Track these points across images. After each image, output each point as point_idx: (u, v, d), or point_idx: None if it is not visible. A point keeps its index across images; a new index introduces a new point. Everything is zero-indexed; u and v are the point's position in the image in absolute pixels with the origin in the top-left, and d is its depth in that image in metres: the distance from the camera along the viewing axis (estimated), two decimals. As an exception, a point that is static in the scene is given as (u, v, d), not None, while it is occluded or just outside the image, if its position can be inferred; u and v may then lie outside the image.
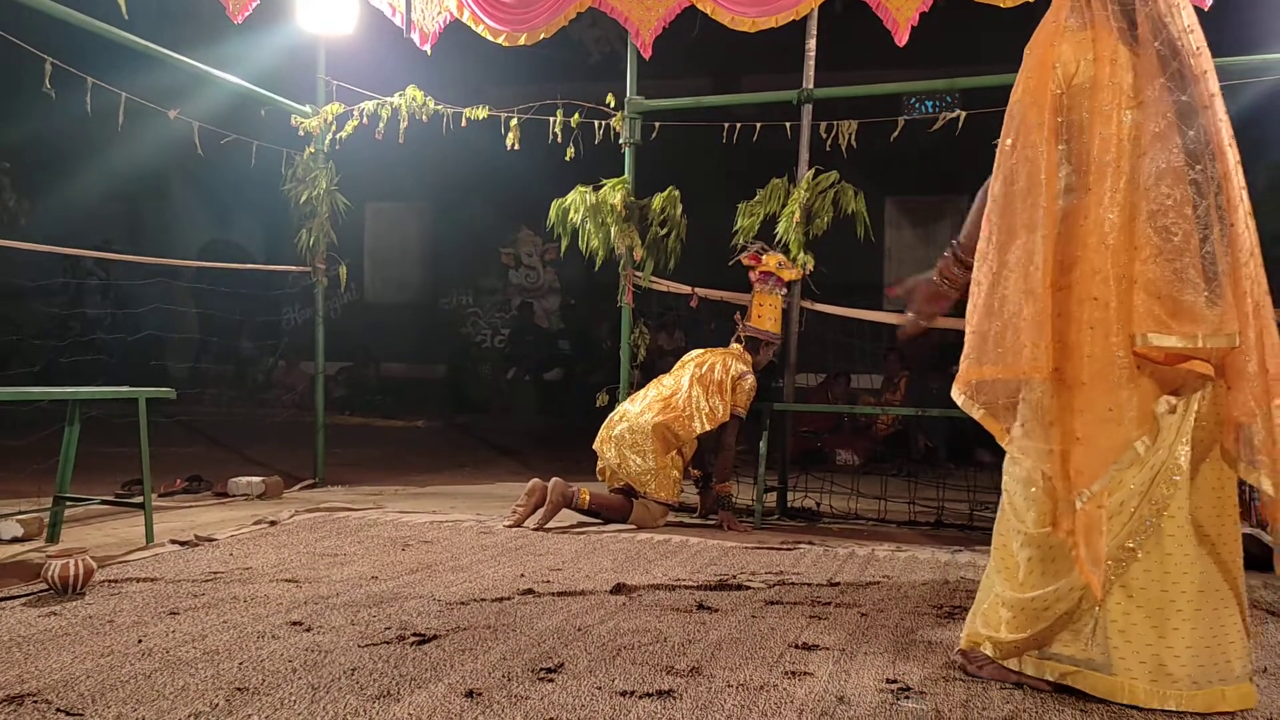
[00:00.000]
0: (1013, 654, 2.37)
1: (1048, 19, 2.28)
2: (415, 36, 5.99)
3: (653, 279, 5.70)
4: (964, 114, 5.13)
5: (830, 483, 5.77)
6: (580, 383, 11.26)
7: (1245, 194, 2.17)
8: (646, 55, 5.61)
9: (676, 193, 5.59)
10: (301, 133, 6.29)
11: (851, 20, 5.75)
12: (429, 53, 6.00)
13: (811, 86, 5.47)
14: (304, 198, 6.28)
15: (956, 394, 2.31)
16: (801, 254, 5.32)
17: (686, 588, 3.51)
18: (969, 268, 2.35)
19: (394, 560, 3.90)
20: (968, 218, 2.44)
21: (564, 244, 5.72)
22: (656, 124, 5.77)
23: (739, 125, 5.50)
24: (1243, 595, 2.30)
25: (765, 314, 5.18)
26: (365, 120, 6.11)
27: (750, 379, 5.01)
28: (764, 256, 5.17)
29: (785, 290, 5.22)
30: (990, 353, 2.18)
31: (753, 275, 5.22)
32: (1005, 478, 2.40)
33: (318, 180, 6.26)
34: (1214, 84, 2.19)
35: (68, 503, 4.34)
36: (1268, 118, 7.07)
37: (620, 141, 5.76)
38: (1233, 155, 2.19)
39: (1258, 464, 2.13)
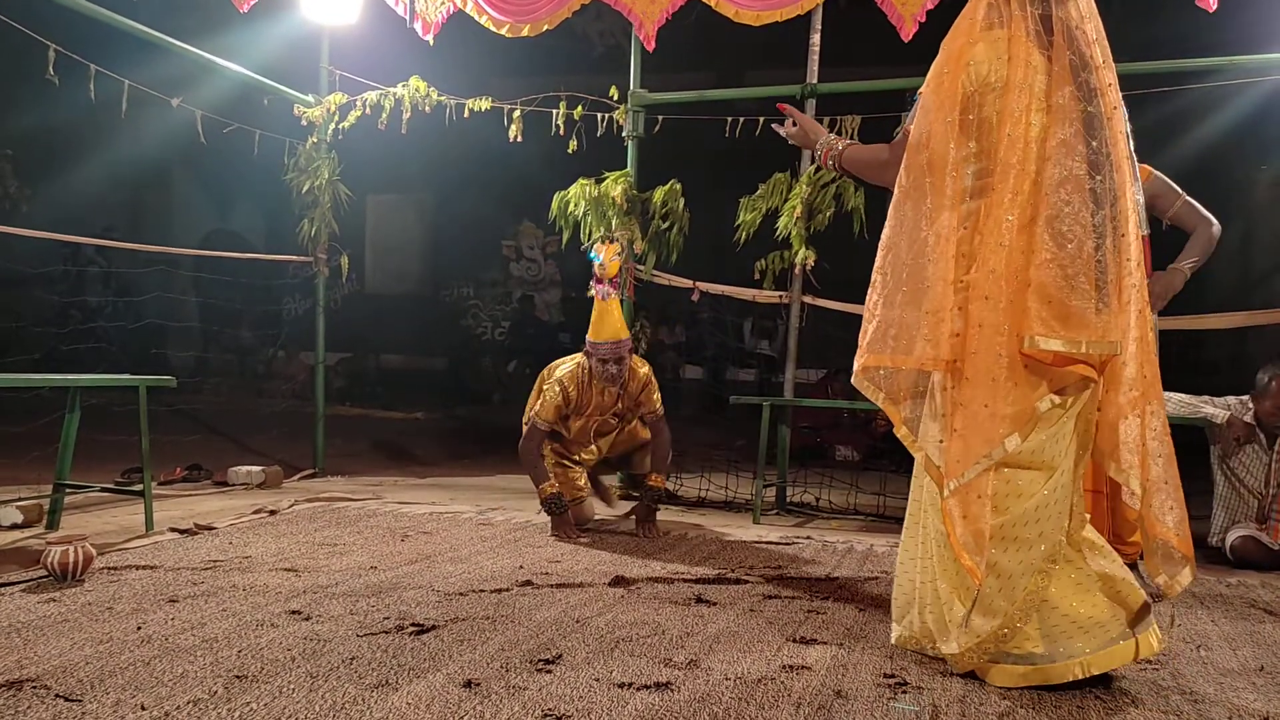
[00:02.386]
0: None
1: (964, 15, 2.30)
2: (418, 27, 5.98)
3: (654, 272, 5.69)
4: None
5: (829, 478, 5.78)
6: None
7: (1137, 204, 2.24)
8: (650, 48, 5.61)
9: (679, 186, 5.59)
10: (304, 122, 6.29)
11: (856, 15, 5.75)
12: (431, 43, 5.99)
13: (815, 81, 5.46)
14: (306, 188, 6.28)
15: (857, 379, 2.34)
16: (803, 249, 5.32)
17: (685, 581, 3.51)
18: (831, 168, 2.58)
19: (393, 551, 3.91)
20: (863, 152, 2.53)
21: (565, 236, 5.72)
22: (659, 117, 5.76)
23: (742, 119, 5.49)
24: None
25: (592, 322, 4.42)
26: (368, 110, 6.10)
27: (552, 389, 4.42)
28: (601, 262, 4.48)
29: (614, 289, 4.40)
30: (890, 342, 2.23)
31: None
32: (927, 489, 2.44)
33: (320, 170, 6.26)
34: (1116, 96, 2.23)
35: (67, 490, 4.35)
36: (1271, 117, 7.05)
37: (623, 134, 5.75)
38: (1129, 168, 2.25)
39: (1126, 465, 2.22)
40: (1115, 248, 2.17)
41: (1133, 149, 3.42)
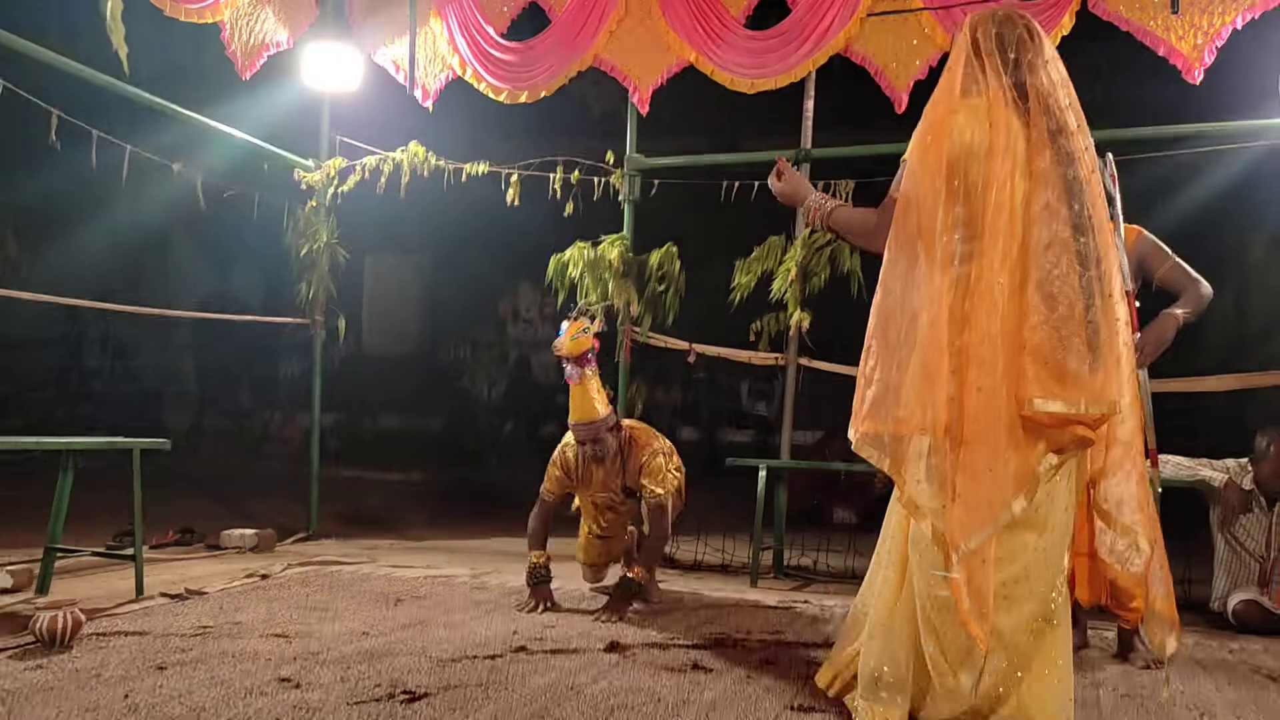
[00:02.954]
0: None
1: (944, 83, 2.35)
2: (418, 93, 6.07)
3: (650, 335, 5.71)
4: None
5: (827, 541, 5.73)
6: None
7: (1121, 264, 2.25)
8: (644, 111, 5.70)
9: (674, 249, 5.63)
10: (304, 186, 6.35)
11: (848, 81, 5.83)
12: (430, 109, 6.08)
13: (809, 146, 5.53)
14: (304, 250, 6.32)
15: (859, 446, 2.33)
16: (798, 311, 5.34)
17: (681, 646, 3.47)
18: (818, 223, 2.57)
19: (386, 616, 3.86)
20: (852, 215, 2.54)
21: (561, 298, 5.74)
22: (655, 181, 5.82)
23: (737, 183, 5.55)
24: None
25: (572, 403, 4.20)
26: (367, 175, 6.17)
27: (553, 460, 4.32)
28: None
29: (583, 367, 4.10)
30: (889, 407, 2.23)
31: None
32: (915, 546, 2.38)
33: (319, 233, 6.30)
34: (1093, 160, 2.28)
35: (58, 554, 4.30)
36: (1261, 182, 7.14)
37: (619, 198, 5.81)
38: (1109, 230, 2.29)
39: (1131, 522, 2.26)
40: (1104, 308, 2.19)
41: (1120, 210, 3.49)
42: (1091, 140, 2.30)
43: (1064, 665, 2.27)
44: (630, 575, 4.13)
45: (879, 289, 2.32)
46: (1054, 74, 2.31)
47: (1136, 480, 2.26)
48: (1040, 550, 2.24)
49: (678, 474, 4.37)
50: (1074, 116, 2.28)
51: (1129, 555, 2.31)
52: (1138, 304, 3.51)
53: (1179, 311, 3.53)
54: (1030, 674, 2.25)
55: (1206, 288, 3.64)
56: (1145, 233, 3.71)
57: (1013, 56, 2.30)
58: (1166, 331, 3.51)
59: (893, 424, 2.23)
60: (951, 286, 2.21)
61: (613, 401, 5.62)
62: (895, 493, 2.44)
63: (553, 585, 4.21)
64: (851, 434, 2.32)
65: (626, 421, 4.40)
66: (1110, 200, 3.59)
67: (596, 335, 4.19)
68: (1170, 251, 3.69)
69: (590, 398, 4.11)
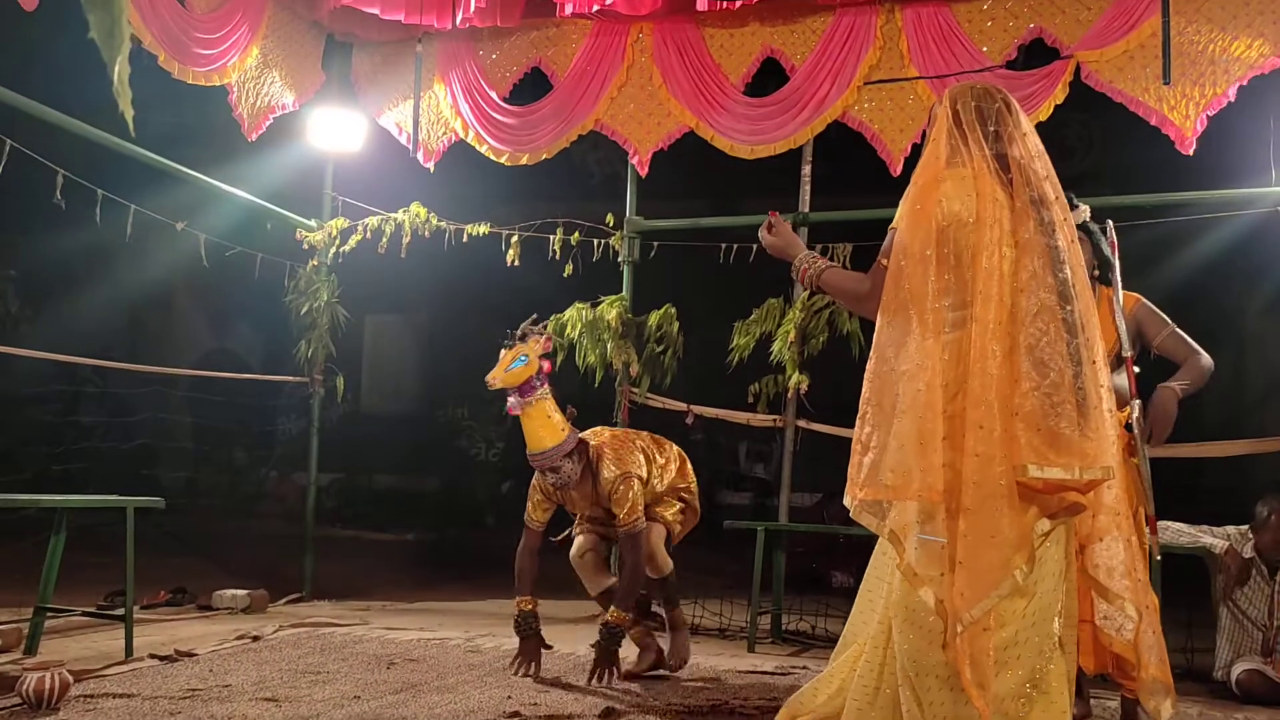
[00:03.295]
0: None
1: (929, 154, 2.39)
2: (420, 155, 6.15)
3: (649, 395, 5.71)
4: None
5: (825, 605, 5.67)
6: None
7: (1099, 333, 2.31)
8: (643, 173, 5.77)
9: (673, 310, 5.65)
10: (306, 246, 6.39)
11: (846, 146, 5.91)
12: (432, 170, 6.15)
13: (808, 210, 5.59)
14: (305, 309, 6.34)
15: (857, 513, 2.31)
16: (797, 373, 5.35)
17: (677, 713, 3.41)
18: (808, 285, 2.59)
19: (378, 679, 3.80)
20: (843, 279, 2.57)
21: (560, 359, 5.75)
22: (655, 243, 5.87)
23: (736, 246, 5.59)
24: None
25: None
26: (369, 235, 6.22)
27: (533, 489, 4.18)
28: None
29: (526, 396, 3.95)
30: (886, 474, 2.21)
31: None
32: (900, 607, 2.32)
33: (319, 293, 6.33)
34: (1071, 230, 2.33)
35: (48, 613, 4.25)
36: (1255, 249, 7.20)
37: (619, 259, 5.85)
38: (1090, 297, 2.32)
39: (1120, 589, 2.28)
40: (1090, 374, 2.22)
41: (1119, 277, 3.51)
42: (1069, 211, 2.35)
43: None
44: (608, 619, 3.90)
45: (872, 355, 2.33)
46: (1031, 146, 2.37)
47: (1123, 546, 2.28)
48: (1029, 616, 2.22)
49: (686, 491, 4.26)
50: (1051, 187, 2.33)
51: (1121, 621, 2.31)
52: (1136, 370, 3.51)
53: (1177, 385, 3.48)
54: None
55: (1206, 359, 3.58)
56: (1143, 300, 3.70)
57: (992, 129, 2.36)
58: (1168, 407, 3.44)
59: (890, 491, 2.22)
60: (944, 353, 2.23)
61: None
62: (872, 568, 2.42)
63: (555, 651, 4.14)
64: (849, 501, 2.31)
65: (605, 433, 4.18)
66: (1109, 267, 3.61)
67: (546, 356, 4.04)
68: (1168, 319, 3.66)
69: (538, 427, 3.93)
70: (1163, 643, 2.39)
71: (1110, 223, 3.65)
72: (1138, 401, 3.47)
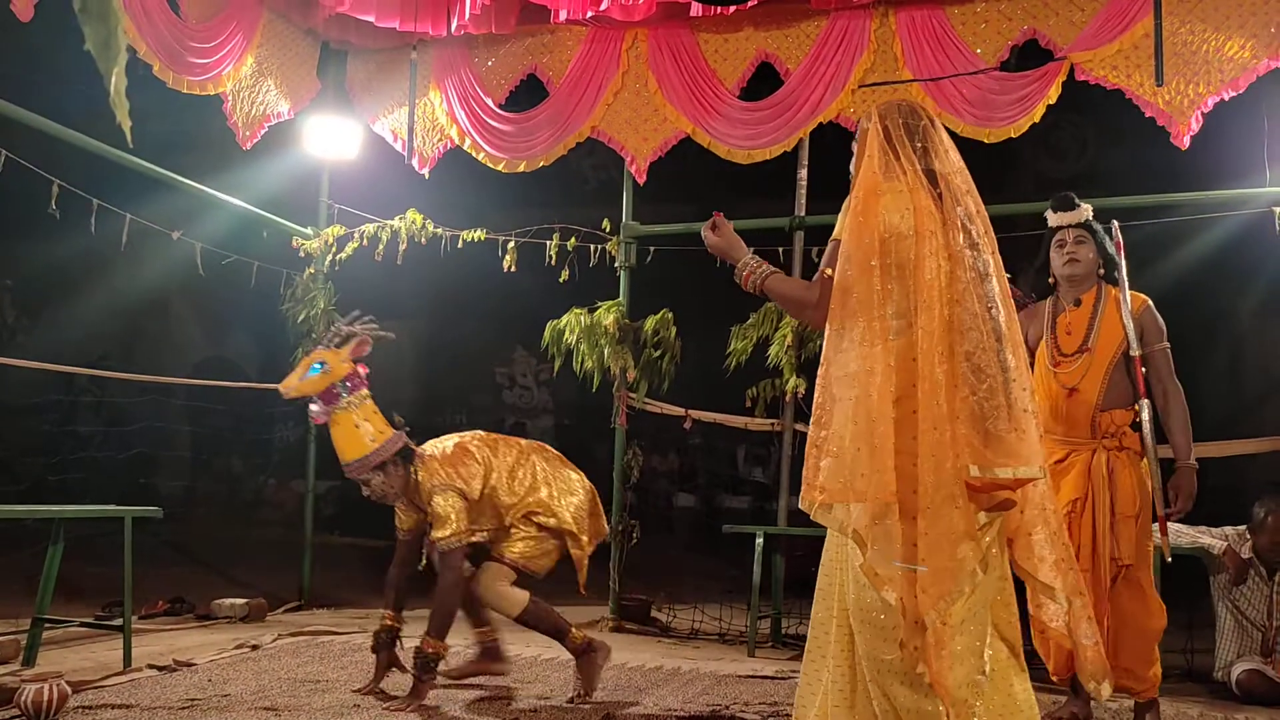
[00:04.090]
0: None
1: (865, 168, 2.46)
2: (415, 162, 6.15)
3: (646, 400, 5.71)
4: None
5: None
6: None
7: (1021, 341, 2.41)
8: (641, 181, 5.77)
9: (670, 315, 5.66)
10: (302, 254, 6.39)
11: (841, 150, 5.91)
12: (427, 176, 6.15)
13: (803, 213, 5.60)
14: (302, 317, 6.33)
15: (819, 516, 2.36)
16: (794, 377, 5.35)
17: (678, 718, 3.41)
18: (752, 293, 2.63)
19: (378, 687, 3.79)
20: (788, 286, 2.62)
21: (557, 364, 5.76)
22: (651, 248, 5.87)
23: (732, 249, 5.59)
24: None
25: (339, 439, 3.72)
26: (365, 242, 6.22)
27: None
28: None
29: (330, 404, 3.68)
30: (843, 478, 2.28)
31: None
32: (855, 608, 2.37)
33: (316, 300, 6.33)
34: (993, 242, 2.43)
35: (46, 625, 4.24)
36: (1249, 248, 7.21)
37: (615, 265, 5.85)
38: (1011, 306, 2.42)
39: (1051, 580, 2.35)
40: (1018, 380, 2.34)
41: (1124, 276, 3.52)
42: (989, 224, 2.45)
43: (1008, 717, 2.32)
44: (420, 648, 3.55)
45: (824, 363, 2.41)
46: (953, 161, 2.48)
47: (1048, 539, 2.37)
48: (973, 608, 2.30)
49: (547, 514, 3.75)
50: (973, 201, 2.44)
51: (1054, 610, 2.40)
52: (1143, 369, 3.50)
53: (1191, 462, 3.49)
54: None
55: (1183, 400, 3.56)
56: (1150, 305, 3.64)
57: (920, 145, 2.46)
58: (1192, 484, 3.48)
59: (847, 493, 2.29)
60: (891, 360, 2.31)
61: (628, 467, 5.54)
62: (823, 573, 2.46)
63: (549, 655, 4.12)
64: (806, 503, 2.37)
65: (450, 440, 3.84)
66: (1115, 266, 3.61)
67: (360, 361, 3.74)
68: (1165, 336, 3.61)
69: (340, 438, 3.64)
70: (1097, 629, 2.48)
71: (1115, 223, 3.66)
72: (1146, 401, 3.48)
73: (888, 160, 2.44)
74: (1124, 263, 3.60)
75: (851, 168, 2.63)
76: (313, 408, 3.71)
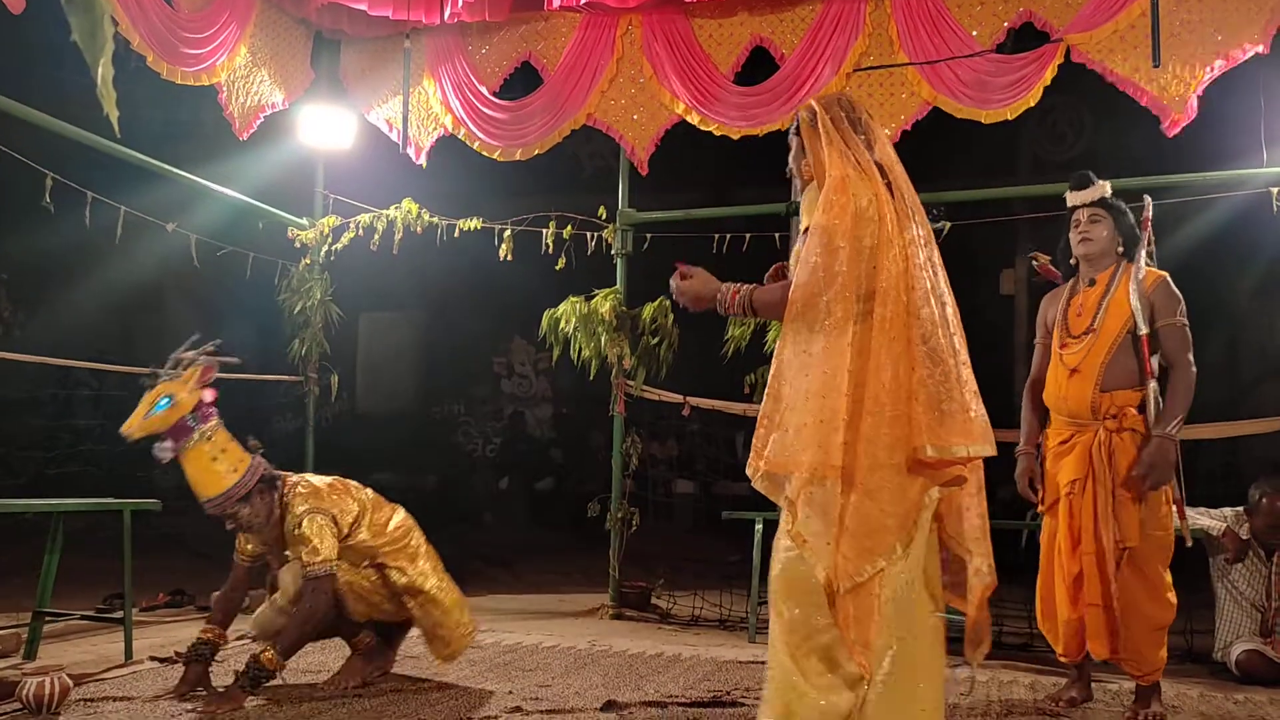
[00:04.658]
0: None
1: (832, 155, 2.50)
2: (411, 151, 6.13)
3: (644, 388, 5.70)
4: (948, 225, 5.23)
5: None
6: (572, 492, 11.18)
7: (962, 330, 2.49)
8: (644, 172, 5.75)
9: (667, 303, 5.64)
10: (298, 244, 6.37)
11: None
12: (424, 165, 6.13)
13: (800, 198, 5.57)
14: (298, 308, 6.32)
15: (760, 483, 2.45)
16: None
17: (679, 705, 3.42)
18: (733, 308, 2.62)
19: (378, 676, 3.80)
20: (771, 293, 2.58)
21: (555, 353, 5.74)
22: (648, 235, 5.86)
23: (728, 236, 5.59)
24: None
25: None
26: (361, 232, 6.20)
27: None
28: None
29: (180, 439, 3.45)
30: (787, 448, 2.36)
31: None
32: (784, 583, 2.43)
33: (312, 291, 6.32)
34: (930, 233, 2.52)
35: (46, 618, 4.24)
36: (1247, 230, 7.21)
37: (612, 252, 5.84)
38: (951, 295, 2.51)
39: (982, 552, 2.45)
40: (965, 365, 2.44)
41: (1142, 254, 3.51)
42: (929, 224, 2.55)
43: (926, 687, 2.38)
44: (261, 661, 3.31)
45: (783, 340, 2.45)
46: (892, 153, 2.56)
47: (977, 515, 2.46)
48: (905, 576, 2.37)
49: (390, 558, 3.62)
50: (912, 194, 2.52)
51: (974, 582, 2.46)
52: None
53: (1172, 430, 3.38)
54: (900, 694, 2.35)
55: (1191, 375, 3.45)
56: (1167, 279, 3.55)
57: (864, 137, 2.54)
58: (1163, 457, 3.37)
59: (792, 465, 2.36)
60: (851, 341, 2.37)
61: (627, 455, 5.51)
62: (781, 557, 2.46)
63: (550, 643, 4.13)
64: (751, 471, 2.46)
65: (317, 477, 3.74)
66: (1135, 242, 3.59)
67: (207, 385, 3.55)
68: (1182, 311, 3.50)
69: (198, 474, 3.43)
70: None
71: (1148, 199, 3.64)
72: (1153, 383, 3.44)
73: (841, 149, 2.50)
74: (1145, 240, 3.58)
75: (791, 161, 2.72)
76: (160, 445, 3.41)
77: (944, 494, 2.43)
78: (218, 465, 3.43)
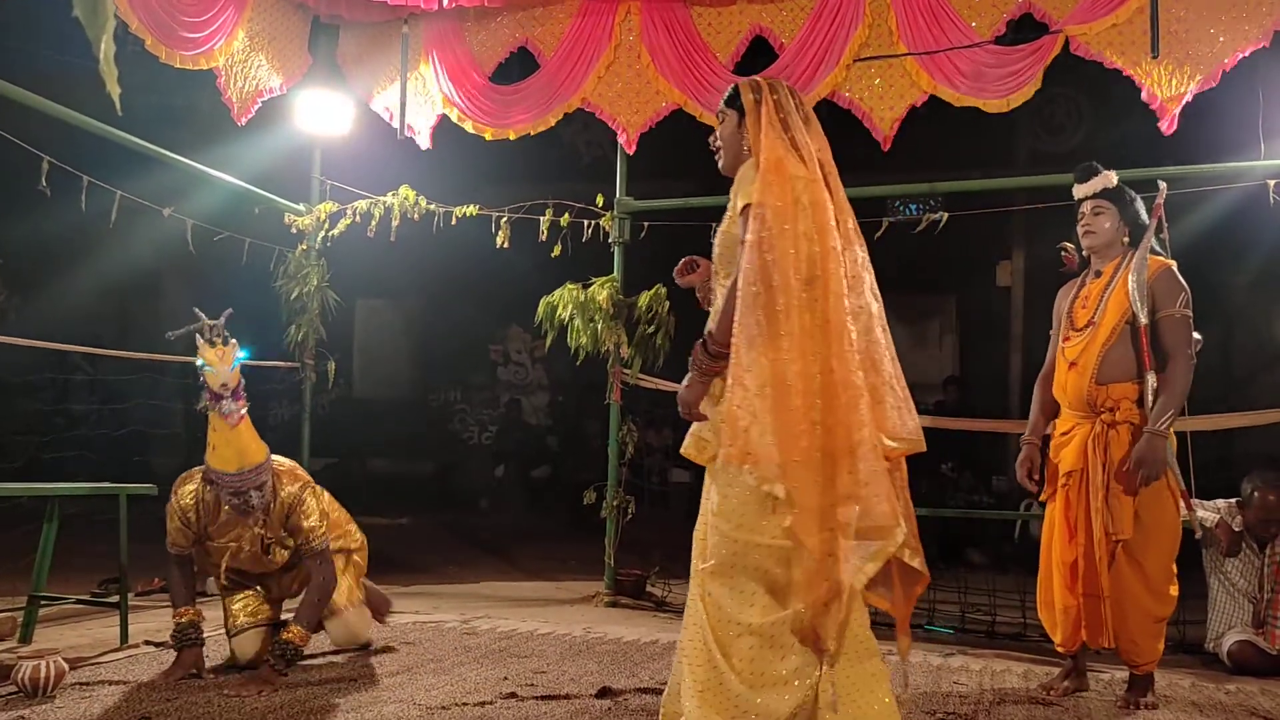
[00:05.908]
0: None
1: (767, 137, 2.48)
2: (409, 136, 6.11)
3: (640, 377, 5.71)
4: (946, 215, 5.23)
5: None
6: (568, 480, 11.19)
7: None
8: (630, 151, 5.75)
9: (664, 291, 5.64)
10: (294, 230, 6.36)
11: (836, 124, 5.88)
12: (430, 146, 6.11)
13: (796, 188, 5.57)
14: (295, 294, 6.32)
15: (744, 474, 2.38)
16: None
17: (674, 692, 3.42)
18: (717, 357, 2.50)
19: (374, 662, 3.81)
20: (721, 313, 2.54)
21: (550, 340, 5.74)
22: (645, 224, 5.85)
23: (726, 225, 5.57)
24: None
25: (211, 440, 3.48)
26: (358, 219, 6.19)
27: (171, 518, 3.60)
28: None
29: (240, 402, 3.48)
30: (752, 439, 2.32)
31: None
32: (709, 586, 2.43)
33: (309, 277, 6.31)
34: (860, 236, 2.53)
35: (42, 602, 4.25)
36: (1243, 223, 7.22)
37: (609, 240, 5.84)
38: (877, 291, 2.53)
39: (896, 533, 2.40)
40: (897, 361, 2.46)
41: (1147, 242, 3.49)
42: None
43: (867, 670, 2.42)
44: (288, 638, 3.44)
45: (738, 329, 2.38)
46: (827, 150, 2.55)
47: (904, 509, 2.45)
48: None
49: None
50: (841, 190, 2.52)
51: (901, 577, 2.48)
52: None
53: (1163, 426, 3.34)
54: (844, 684, 2.37)
55: (1189, 367, 3.40)
56: (1172, 268, 3.49)
57: (799, 123, 2.52)
58: (1154, 453, 3.33)
59: (758, 454, 2.32)
60: (800, 330, 2.35)
61: (623, 443, 5.53)
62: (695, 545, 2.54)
63: (546, 630, 4.15)
64: (725, 462, 2.42)
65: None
66: (1141, 230, 3.58)
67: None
68: (1184, 302, 3.43)
69: (251, 437, 3.45)
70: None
71: (1163, 184, 3.62)
72: (1152, 375, 3.42)
73: (777, 133, 2.47)
74: (1154, 227, 3.57)
75: (718, 133, 2.67)
76: (228, 404, 3.39)
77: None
78: (254, 436, 3.48)
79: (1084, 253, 3.71)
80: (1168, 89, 4.76)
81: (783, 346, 2.33)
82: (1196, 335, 3.49)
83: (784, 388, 2.32)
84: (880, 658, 2.46)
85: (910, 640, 2.52)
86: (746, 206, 2.42)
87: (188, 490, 3.56)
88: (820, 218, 2.40)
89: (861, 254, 2.50)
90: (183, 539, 3.56)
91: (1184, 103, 4.75)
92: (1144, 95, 4.84)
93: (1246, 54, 4.65)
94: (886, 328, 2.48)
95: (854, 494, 2.32)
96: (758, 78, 2.63)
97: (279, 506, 3.54)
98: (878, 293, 2.49)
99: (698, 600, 2.47)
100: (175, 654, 3.53)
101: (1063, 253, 3.87)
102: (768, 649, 2.34)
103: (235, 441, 3.39)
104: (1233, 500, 4.44)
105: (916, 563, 2.43)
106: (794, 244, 2.36)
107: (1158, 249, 3.60)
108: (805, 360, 2.34)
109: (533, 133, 5.89)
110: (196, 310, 3.60)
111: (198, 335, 3.50)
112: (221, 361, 3.42)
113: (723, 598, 2.40)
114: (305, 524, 3.54)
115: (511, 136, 5.93)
